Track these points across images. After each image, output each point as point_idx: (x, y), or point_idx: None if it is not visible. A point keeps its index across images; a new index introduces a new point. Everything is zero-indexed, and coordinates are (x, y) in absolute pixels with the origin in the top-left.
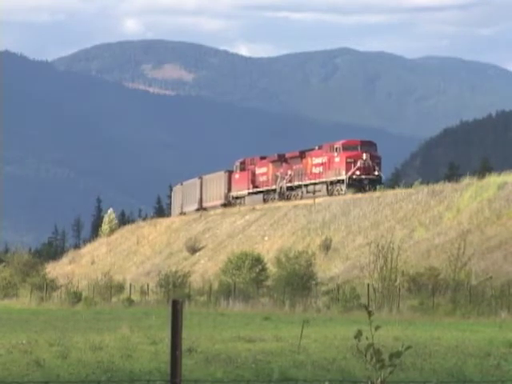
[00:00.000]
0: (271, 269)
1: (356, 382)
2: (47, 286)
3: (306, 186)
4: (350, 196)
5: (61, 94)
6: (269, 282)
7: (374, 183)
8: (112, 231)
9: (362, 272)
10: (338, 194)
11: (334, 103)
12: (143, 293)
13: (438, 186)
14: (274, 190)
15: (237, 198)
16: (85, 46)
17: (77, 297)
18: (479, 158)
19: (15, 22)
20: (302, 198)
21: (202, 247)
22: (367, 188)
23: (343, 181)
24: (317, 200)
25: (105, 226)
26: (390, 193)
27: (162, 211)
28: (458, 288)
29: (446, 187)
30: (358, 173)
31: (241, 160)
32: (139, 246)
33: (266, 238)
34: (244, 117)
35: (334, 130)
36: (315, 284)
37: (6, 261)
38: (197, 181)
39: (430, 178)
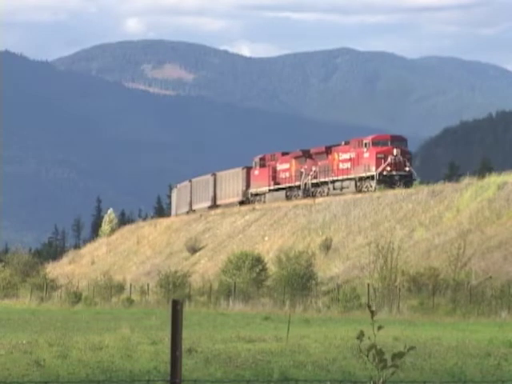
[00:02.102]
0: (271, 269)
1: (356, 382)
2: (47, 286)
3: (333, 182)
4: (351, 196)
5: (61, 94)
6: (269, 282)
7: (405, 179)
8: (112, 231)
9: (362, 272)
10: (368, 191)
11: (333, 103)
12: (143, 293)
13: (438, 186)
14: (298, 187)
15: (256, 194)
16: (86, 46)
17: (77, 297)
18: (479, 158)
19: (16, 21)
20: (328, 194)
21: (202, 247)
22: (398, 184)
23: (373, 177)
24: (317, 200)
25: (105, 226)
26: (390, 193)
27: (162, 211)
28: (458, 288)
29: (446, 187)
30: (388, 169)
31: (260, 156)
32: (139, 246)
33: (266, 238)
34: (244, 117)
35: (334, 130)
36: (315, 284)
37: (6, 261)
38: (210, 177)
39: (430, 178)
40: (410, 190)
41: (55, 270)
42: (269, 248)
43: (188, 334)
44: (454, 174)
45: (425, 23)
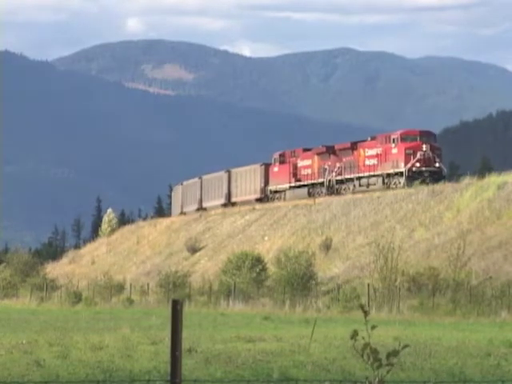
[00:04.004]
0: (271, 269)
1: (356, 382)
2: (47, 286)
3: (359, 178)
4: (350, 196)
5: (61, 93)
6: (269, 282)
7: (435, 176)
8: (112, 231)
9: (362, 272)
10: (396, 188)
11: (333, 103)
12: (143, 293)
13: (438, 186)
14: (321, 184)
15: (276, 192)
16: (86, 46)
17: (77, 297)
18: (479, 157)
19: (17, 21)
20: (353, 191)
21: (202, 247)
22: (427, 181)
23: (402, 173)
24: (317, 200)
25: (104, 226)
26: (389, 193)
27: (162, 211)
28: (458, 288)
29: (446, 187)
30: (417, 165)
31: (280, 152)
32: (139, 246)
33: (266, 238)
34: (244, 117)
35: (334, 130)
36: (315, 284)
37: (6, 261)
38: (223, 174)
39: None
40: (410, 190)
41: (55, 270)
42: (269, 248)
43: (188, 334)
44: (454, 174)
45: (425, 23)
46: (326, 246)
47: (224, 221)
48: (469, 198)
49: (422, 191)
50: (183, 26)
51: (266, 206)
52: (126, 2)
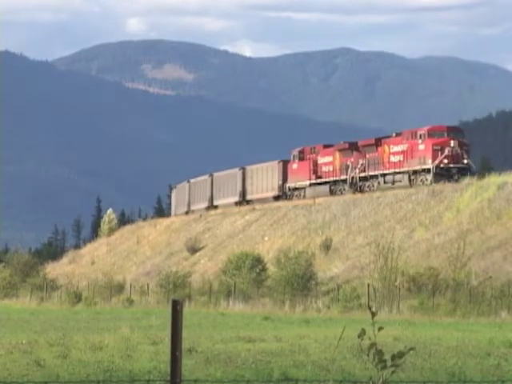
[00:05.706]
0: (271, 269)
1: (356, 382)
2: (47, 286)
3: (384, 175)
4: (350, 196)
5: (61, 93)
6: (269, 282)
7: (463, 172)
8: (112, 231)
9: (362, 272)
10: (423, 184)
11: (333, 103)
12: (143, 293)
13: (438, 186)
14: (343, 181)
15: (295, 189)
16: (87, 46)
17: (77, 297)
18: (479, 157)
19: (18, 21)
20: (378, 188)
21: (202, 247)
22: (456, 177)
23: (429, 170)
24: (317, 200)
25: (105, 227)
26: (390, 193)
27: (161, 211)
28: (458, 288)
29: (446, 187)
30: (445, 161)
31: (299, 149)
32: (139, 246)
33: (266, 238)
34: (244, 117)
35: (334, 130)
36: (315, 284)
37: (6, 261)
38: (237, 172)
39: None
40: (410, 190)
41: (55, 270)
42: (269, 248)
43: (188, 334)
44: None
45: (425, 23)
46: (326, 246)
47: (224, 221)
48: (469, 198)
49: (422, 191)
50: (183, 25)
51: (266, 205)
52: (127, 2)
